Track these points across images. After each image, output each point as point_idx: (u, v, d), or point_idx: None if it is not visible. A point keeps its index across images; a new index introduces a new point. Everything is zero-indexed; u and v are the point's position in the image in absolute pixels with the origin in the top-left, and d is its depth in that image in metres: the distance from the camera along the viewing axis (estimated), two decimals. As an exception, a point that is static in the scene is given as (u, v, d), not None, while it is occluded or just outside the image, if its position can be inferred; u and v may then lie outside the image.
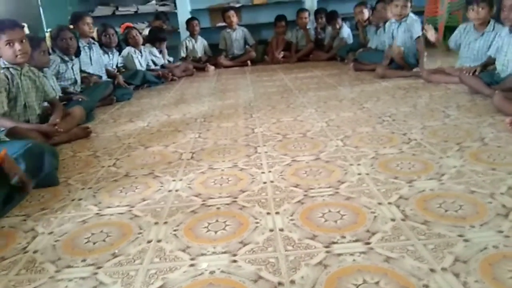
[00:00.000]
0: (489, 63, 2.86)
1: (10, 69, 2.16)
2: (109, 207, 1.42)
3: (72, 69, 3.16)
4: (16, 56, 2.13)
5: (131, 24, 4.78)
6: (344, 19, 5.13)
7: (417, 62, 3.58)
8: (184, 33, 5.47)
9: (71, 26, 3.50)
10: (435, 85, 3.10)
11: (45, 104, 2.44)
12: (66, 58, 3.12)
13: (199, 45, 5.35)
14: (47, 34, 3.08)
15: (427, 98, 2.70)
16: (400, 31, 3.64)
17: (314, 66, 4.71)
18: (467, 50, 3.16)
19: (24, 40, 2.16)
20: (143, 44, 4.53)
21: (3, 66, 2.16)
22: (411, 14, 3.62)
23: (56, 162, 1.79)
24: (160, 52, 4.67)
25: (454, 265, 0.95)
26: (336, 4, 5.45)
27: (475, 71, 2.83)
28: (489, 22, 2.98)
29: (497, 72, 2.64)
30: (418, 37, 3.54)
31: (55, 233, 1.27)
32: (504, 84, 2.44)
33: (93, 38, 3.83)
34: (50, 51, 3.09)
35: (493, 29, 2.96)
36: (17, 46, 2.11)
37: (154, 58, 4.59)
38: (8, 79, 2.13)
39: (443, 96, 2.71)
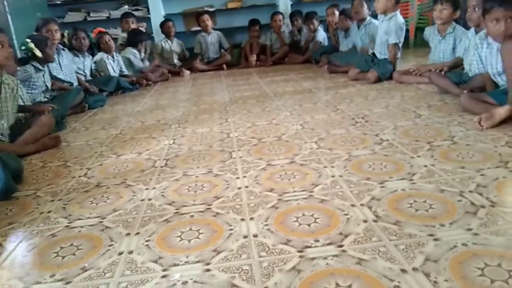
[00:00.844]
0: (458, 63, 2.94)
1: None
2: (79, 219, 1.39)
3: (44, 76, 3.09)
4: None
5: (103, 29, 4.70)
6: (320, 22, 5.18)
7: (393, 67, 3.50)
8: (158, 37, 5.42)
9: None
10: (406, 85, 3.16)
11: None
12: (40, 67, 3.05)
13: (176, 46, 5.31)
14: (29, 41, 2.98)
15: (399, 99, 2.75)
16: (381, 31, 3.48)
17: (290, 69, 4.74)
18: (433, 52, 3.24)
19: (3, 45, 2.12)
20: (124, 48, 4.50)
21: None
22: (399, 16, 3.43)
23: (17, 167, 1.74)
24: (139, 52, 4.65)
25: (424, 265, 0.96)
26: (310, 7, 5.50)
27: (442, 69, 2.91)
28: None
29: (465, 72, 2.71)
30: (395, 44, 3.43)
31: (22, 248, 1.23)
32: (471, 83, 2.51)
33: (63, 43, 3.75)
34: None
35: (453, 31, 3.04)
36: None
37: (133, 59, 4.54)
38: None
39: (414, 97, 2.77)
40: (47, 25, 3.41)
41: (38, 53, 2.94)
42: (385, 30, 3.47)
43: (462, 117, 2.15)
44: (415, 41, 5.69)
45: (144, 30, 5.09)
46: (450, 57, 3.07)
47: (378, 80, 3.41)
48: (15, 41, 3.96)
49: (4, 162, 1.62)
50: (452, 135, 1.89)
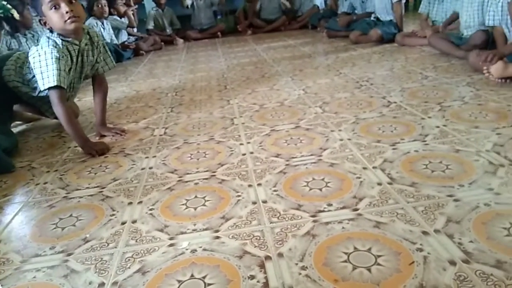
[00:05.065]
0: (453, 18, 2.84)
1: None
2: (77, 189, 1.32)
3: (27, 44, 2.94)
4: None
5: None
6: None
7: (398, 30, 3.43)
8: (149, 5, 5.22)
9: None
10: (410, 48, 3.07)
11: None
12: (17, 34, 2.89)
13: (167, 16, 5.12)
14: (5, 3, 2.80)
15: (403, 61, 2.66)
16: None
17: (287, 35, 4.60)
18: (435, 13, 3.12)
19: None
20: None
21: None
22: None
23: (9, 145, 1.65)
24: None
25: (447, 226, 0.91)
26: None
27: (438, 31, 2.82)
28: None
29: (462, 32, 2.61)
30: (399, 1, 3.37)
31: (19, 221, 1.16)
32: (471, 42, 2.41)
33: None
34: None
35: None
36: None
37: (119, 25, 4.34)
38: None
39: (418, 59, 2.68)
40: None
41: (16, 14, 2.78)
42: None
43: (471, 78, 2.07)
44: (414, 4, 5.53)
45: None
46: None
47: (381, 39, 3.31)
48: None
49: None
50: (462, 95, 1.82)
